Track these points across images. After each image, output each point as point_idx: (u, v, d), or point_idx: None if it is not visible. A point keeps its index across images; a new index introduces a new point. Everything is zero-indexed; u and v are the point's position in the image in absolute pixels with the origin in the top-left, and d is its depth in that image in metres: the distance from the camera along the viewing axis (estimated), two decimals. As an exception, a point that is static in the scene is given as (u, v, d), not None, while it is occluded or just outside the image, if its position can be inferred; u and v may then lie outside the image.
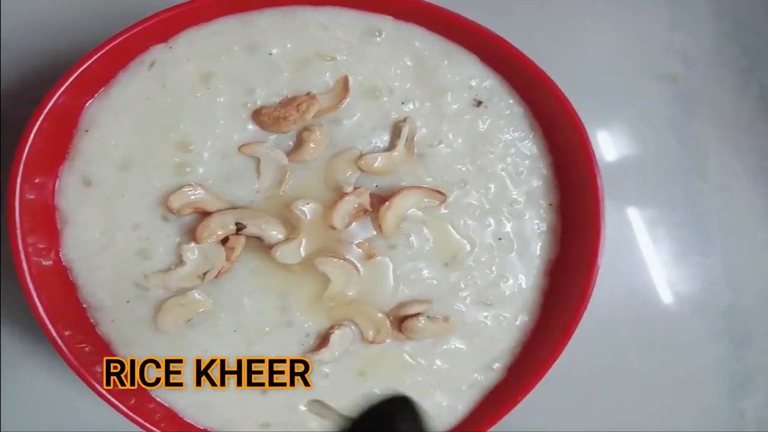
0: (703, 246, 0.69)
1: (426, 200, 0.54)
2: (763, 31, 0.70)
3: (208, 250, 0.51)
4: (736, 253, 0.69)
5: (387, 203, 0.52)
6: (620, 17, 0.68)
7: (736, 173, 0.70)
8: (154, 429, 0.50)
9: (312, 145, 0.51)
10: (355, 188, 0.53)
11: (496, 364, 0.56)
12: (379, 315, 0.54)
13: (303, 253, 0.52)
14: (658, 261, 0.68)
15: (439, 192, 0.54)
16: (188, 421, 0.54)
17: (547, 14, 0.67)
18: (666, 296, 0.68)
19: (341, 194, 0.52)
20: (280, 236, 0.51)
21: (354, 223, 0.53)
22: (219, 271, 0.51)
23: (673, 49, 0.69)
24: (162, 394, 0.54)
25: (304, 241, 0.52)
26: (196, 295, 0.52)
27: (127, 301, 0.52)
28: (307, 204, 0.52)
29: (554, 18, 0.67)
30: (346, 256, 0.53)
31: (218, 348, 0.53)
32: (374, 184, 0.54)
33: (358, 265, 0.53)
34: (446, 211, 0.55)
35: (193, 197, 0.51)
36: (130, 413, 0.50)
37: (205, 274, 0.51)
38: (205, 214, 0.51)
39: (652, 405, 0.68)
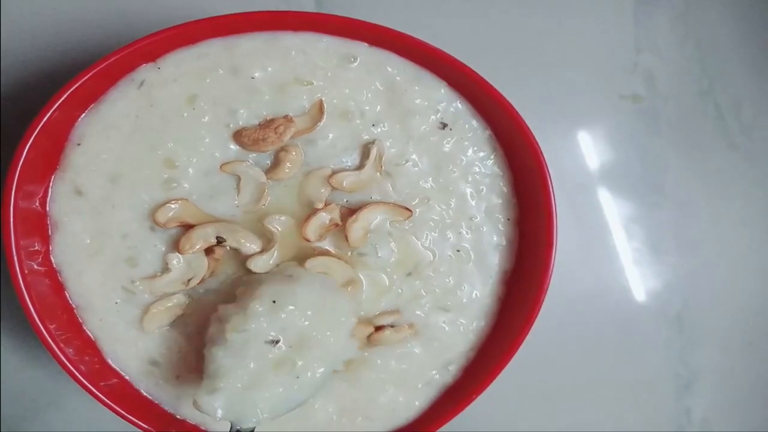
0: (658, 257, 0.73)
1: (392, 215, 0.57)
2: (724, 54, 0.74)
3: (191, 259, 0.55)
4: (688, 264, 0.74)
5: (353, 216, 0.56)
6: (587, 38, 0.72)
7: (691, 188, 0.74)
8: (135, 420, 0.54)
9: (288, 164, 0.55)
10: (326, 204, 0.56)
11: (452, 366, 0.61)
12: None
13: (276, 263, 0.56)
14: (613, 269, 0.73)
15: (405, 208, 0.58)
16: (168, 410, 0.58)
17: (515, 37, 0.71)
18: (620, 302, 0.73)
19: (314, 209, 0.56)
20: (257, 249, 0.55)
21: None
22: (202, 279, 0.55)
23: (638, 70, 0.73)
24: (143, 387, 0.58)
25: (276, 254, 0.56)
26: (179, 299, 0.56)
27: (116, 303, 0.56)
28: (280, 218, 0.56)
29: (523, 40, 0.71)
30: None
31: (192, 350, 0.57)
32: (344, 200, 0.58)
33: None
34: (410, 225, 0.59)
35: (177, 212, 0.55)
36: (114, 405, 0.54)
37: (189, 280, 0.55)
38: (188, 227, 0.55)
39: (602, 404, 0.73)
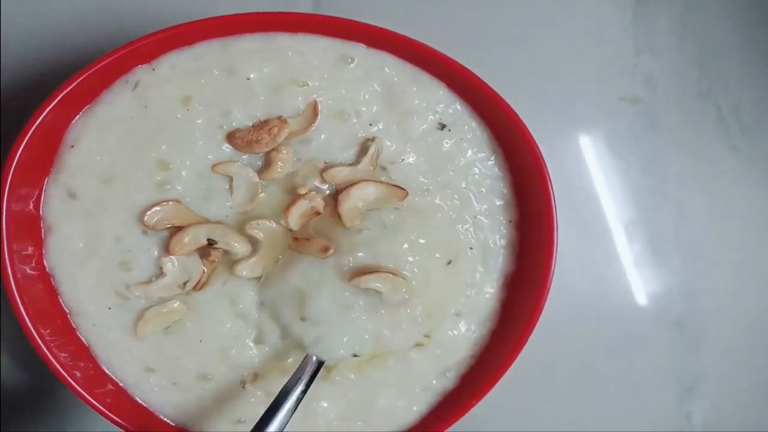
0: (659, 259, 0.73)
1: (385, 195, 0.55)
2: (724, 56, 0.74)
3: (186, 262, 0.54)
4: (689, 266, 0.73)
5: (344, 192, 0.54)
6: (587, 40, 0.72)
7: (692, 190, 0.74)
8: (131, 428, 0.53)
9: (280, 164, 0.55)
10: (309, 190, 0.55)
11: (449, 372, 0.60)
12: None
13: (261, 269, 0.55)
14: (614, 273, 0.72)
15: (399, 187, 0.56)
16: (164, 419, 0.57)
17: (514, 38, 0.71)
18: (620, 306, 0.72)
19: (294, 197, 0.55)
20: (247, 251, 0.55)
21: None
22: (198, 282, 0.55)
23: (638, 71, 0.73)
24: (138, 394, 0.57)
25: (262, 256, 0.55)
26: (175, 304, 0.55)
27: (109, 308, 0.55)
28: (261, 223, 0.55)
29: (522, 41, 0.71)
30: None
31: (190, 356, 0.56)
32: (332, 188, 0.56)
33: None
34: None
35: (165, 214, 0.54)
36: (107, 411, 0.53)
37: (185, 284, 0.55)
38: (180, 229, 0.54)
39: (603, 408, 0.73)
